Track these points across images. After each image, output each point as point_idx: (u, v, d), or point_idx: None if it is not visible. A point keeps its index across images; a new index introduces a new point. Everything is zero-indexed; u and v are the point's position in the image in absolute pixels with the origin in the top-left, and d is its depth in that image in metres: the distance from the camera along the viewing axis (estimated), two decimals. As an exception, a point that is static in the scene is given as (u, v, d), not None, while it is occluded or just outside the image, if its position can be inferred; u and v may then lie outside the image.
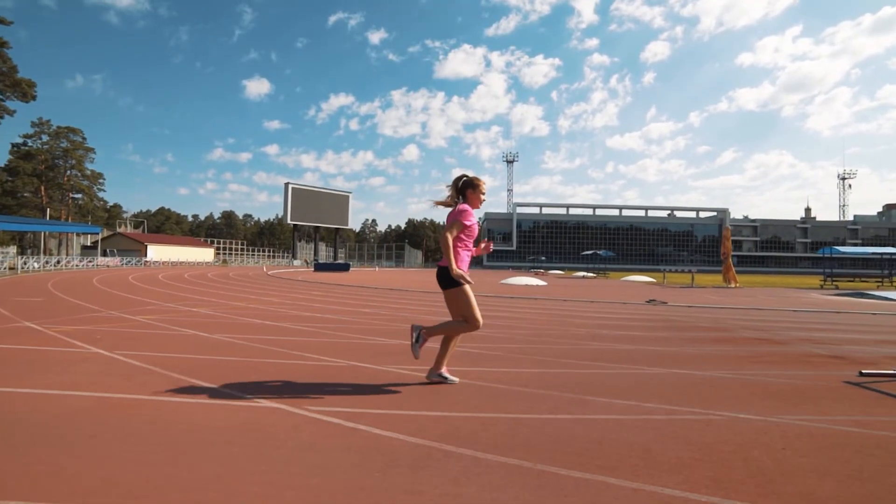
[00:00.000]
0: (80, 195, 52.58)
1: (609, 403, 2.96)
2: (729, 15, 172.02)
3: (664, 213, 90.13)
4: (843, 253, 23.53)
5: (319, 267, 38.22)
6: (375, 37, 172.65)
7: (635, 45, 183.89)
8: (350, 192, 74.62)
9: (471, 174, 3.43)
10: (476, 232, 3.36)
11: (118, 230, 59.47)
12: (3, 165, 48.03)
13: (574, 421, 2.64)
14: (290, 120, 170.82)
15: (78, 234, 41.60)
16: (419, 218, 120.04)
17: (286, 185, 63.55)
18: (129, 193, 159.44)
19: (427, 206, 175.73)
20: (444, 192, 3.47)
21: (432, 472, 1.95)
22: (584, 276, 32.83)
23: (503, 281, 22.22)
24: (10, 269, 24.60)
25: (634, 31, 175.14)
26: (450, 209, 3.39)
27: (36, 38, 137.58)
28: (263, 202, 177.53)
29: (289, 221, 64.62)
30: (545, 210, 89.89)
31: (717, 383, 3.56)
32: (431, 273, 41.03)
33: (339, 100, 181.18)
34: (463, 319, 3.33)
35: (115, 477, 1.86)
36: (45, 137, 49.39)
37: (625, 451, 2.19)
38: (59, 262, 29.98)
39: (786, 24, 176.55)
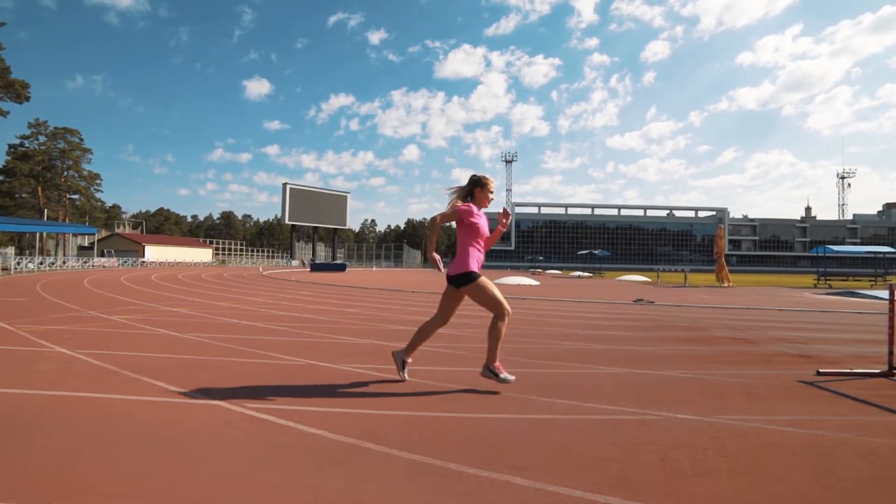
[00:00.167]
0: (77, 196, 52.66)
1: (552, 403, 2.95)
2: (729, 14, 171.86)
3: (663, 213, 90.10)
4: (836, 252, 23.54)
5: (316, 267, 38.24)
6: (375, 37, 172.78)
7: (635, 45, 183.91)
8: (348, 193, 74.69)
9: (478, 174, 3.46)
10: (485, 231, 3.37)
11: (116, 231, 59.55)
12: (0, 166, 48.18)
13: (505, 420, 2.63)
14: (291, 120, 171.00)
15: (75, 235, 41.65)
16: (418, 218, 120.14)
17: (284, 185, 63.61)
18: (130, 194, 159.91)
19: (427, 205, 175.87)
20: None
21: (341, 469, 1.96)
22: (579, 276, 32.80)
23: (497, 281, 22.21)
24: (3, 269, 24.62)
25: (634, 30, 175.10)
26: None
27: (36, 38, 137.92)
28: (264, 202, 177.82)
29: (287, 222, 64.69)
30: (544, 210, 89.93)
31: (672, 383, 3.54)
32: (429, 273, 41.03)
33: (340, 100, 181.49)
34: (435, 316, 3.41)
35: (36, 473, 1.87)
36: (42, 138, 49.50)
37: (544, 451, 2.17)
38: (53, 262, 30.00)
39: (786, 24, 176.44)
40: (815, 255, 23.53)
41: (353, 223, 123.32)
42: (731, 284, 20.59)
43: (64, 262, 31.28)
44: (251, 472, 1.94)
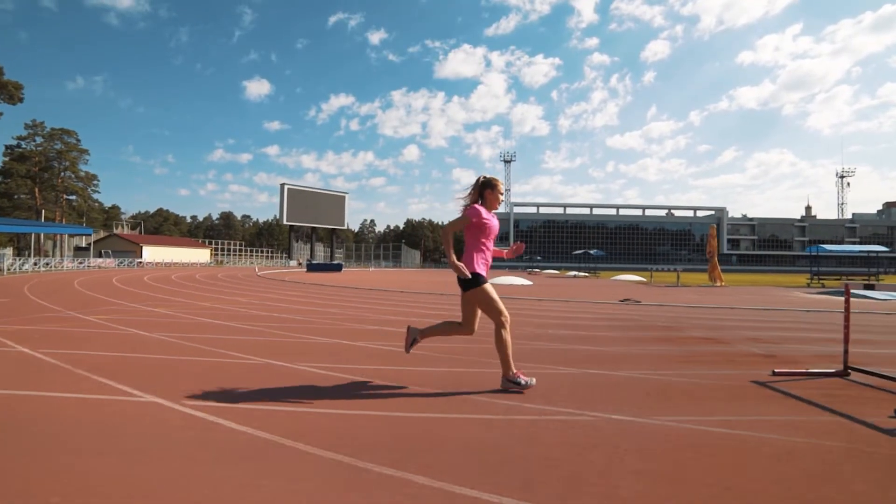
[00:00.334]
0: (74, 197, 52.72)
1: (489, 403, 2.93)
2: (729, 13, 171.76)
3: (662, 213, 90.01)
4: (829, 251, 23.48)
5: (312, 267, 38.25)
6: (375, 37, 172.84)
7: (635, 45, 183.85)
8: (346, 193, 74.66)
9: (488, 175, 3.44)
10: (494, 230, 3.34)
11: (115, 231, 59.61)
12: (-3, 167, 48.29)
13: (433, 420, 2.62)
14: (291, 121, 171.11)
15: (71, 236, 41.71)
16: (418, 218, 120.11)
17: (282, 185, 63.60)
18: (130, 195, 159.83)
19: (427, 205, 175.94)
20: (459, 201, 3.47)
21: (251, 464, 1.98)
22: (575, 276, 32.76)
23: (491, 281, 22.17)
24: (-1, 270, 24.64)
25: (634, 30, 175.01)
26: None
27: (36, 39, 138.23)
28: (264, 203, 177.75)
29: (285, 222, 64.68)
30: (542, 210, 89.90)
31: (624, 383, 3.52)
32: (425, 273, 41.05)
33: (340, 100, 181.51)
34: (462, 321, 3.33)
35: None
36: (38, 139, 49.59)
37: (458, 452, 2.16)
38: (47, 263, 30.04)
39: (786, 23, 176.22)
40: (809, 254, 23.46)
41: (354, 223, 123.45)
42: (723, 284, 20.53)
43: (58, 264, 31.30)
44: (158, 466, 1.96)
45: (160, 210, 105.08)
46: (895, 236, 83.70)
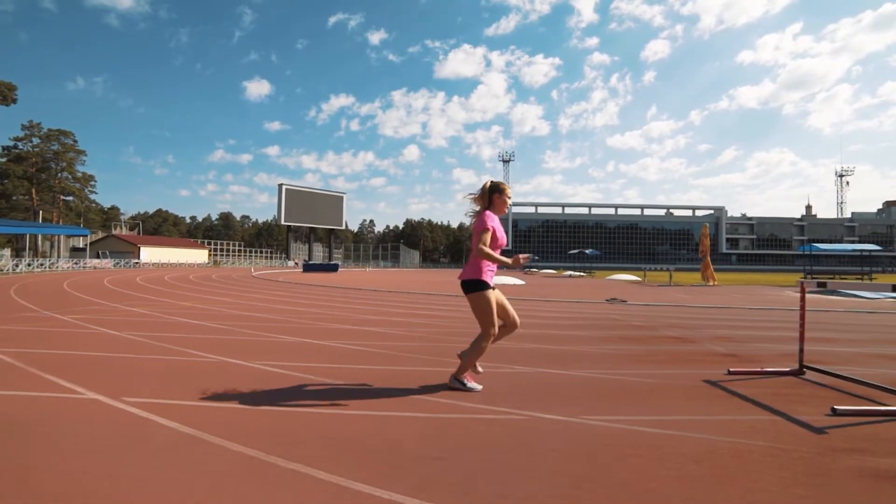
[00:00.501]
0: (71, 198, 52.78)
1: (428, 402, 2.91)
2: (729, 13, 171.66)
3: (661, 212, 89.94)
4: (823, 250, 23.42)
5: (308, 268, 38.26)
6: (375, 37, 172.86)
7: (635, 44, 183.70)
8: (344, 193, 74.68)
9: (495, 180, 3.43)
10: (502, 238, 3.32)
11: (113, 232, 59.66)
12: (-6, 168, 48.35)
13: (362, 417, 2.61)
14: (291, 121, 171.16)
15: (68, 237, 41.75)
16: (417, 218, 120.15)
17: (280, 185, 63.63)
18: (131, 195, 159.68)
19: (427, 205, 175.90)
20: (466, 201, 3.47)
21: (165, 458, 2.03)
22: (570, 276, 32.73)
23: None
24: (-8, 271, 24.68)
25: (634, 29, 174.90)
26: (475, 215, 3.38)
27: (37, 40, 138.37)
28: (264, 203, 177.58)
29: (283, 222, 64.70)
30: (541, 209, 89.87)
31: (574, 382, 3.50)
32: (422, 273, 41.07)
33: (340, 100, 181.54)
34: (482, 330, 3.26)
35: None
36: (35, 140, 49.65)
37: (370, 448, 2.17)
38: (41, 264, 30.07)
39: (786, 22, 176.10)
40: (802, 252, 23.45)
41: (354, 223, 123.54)
42: (716, 283, 20.49)
43: (52, 264, 31.34)
44: (71, 459, 2.00)
45: (159, 211, 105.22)
46: (894, 235, 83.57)
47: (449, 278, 26.95)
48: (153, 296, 11.19)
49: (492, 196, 3.37)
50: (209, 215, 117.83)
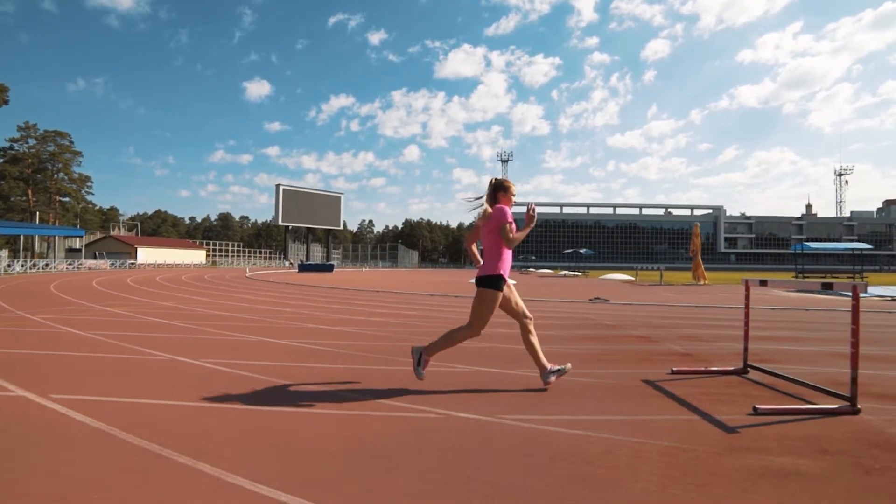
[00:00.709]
0: (67, 198, 52.86)
1: (351, 400, 2.91)
2: (729, 12, 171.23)
3: (660, 211, 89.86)
4: (814, 249, 23.41)
5: (303, 268, 38.33)
6: (375, 37, 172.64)
7: (635, 44, 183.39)
8: (342, 193, 74.67)
9: (499, 178, 3.44)
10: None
11: (111, 233, 59.76)
12: (-10, 169, 48.44)
13: (274, 413, 2.63)
14: (291, 121, 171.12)
15: (65, 237, 41.83)
16: (416, 218, 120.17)
17: (277, 186, 63.68)
18: (131, 196, 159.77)
19: (428, 205, 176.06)
20: (470, 201, 3.47)
21: (70, 453, 2.09)
22: (564, 275, 32.72)
23: (472, 280, 22.16)
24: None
25: (634, 29, 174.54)
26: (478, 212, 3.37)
27: (37, 41, 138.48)
28: (265, 204, 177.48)
29: (280, 223, 64.74)
30: (539, 209, 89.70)
31: (510, 381, 3.48)
32: (419, 273, 41.09)
33: (340, 101, 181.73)
34: (468, 323, 3.26)
35: None
36: (31, 141, 49.75)
37: (265, 443, 2.20)
38: (35, 264, 30.12)
39: (786, 21, 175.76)
40: (794, 251, 23.41)
41: (354, 224, 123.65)
42: (706, 282, 20.47)
43: (47, 265, 31.39)
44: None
45: (158, 211, 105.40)
46: (893, 234, 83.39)
47: (445, 278, 26.95)
48: (138, 296, 11.20)
49: (496, 194, 3.37)
50: (208, 216, 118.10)
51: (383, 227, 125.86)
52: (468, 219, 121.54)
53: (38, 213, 43.46)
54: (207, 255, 63.79)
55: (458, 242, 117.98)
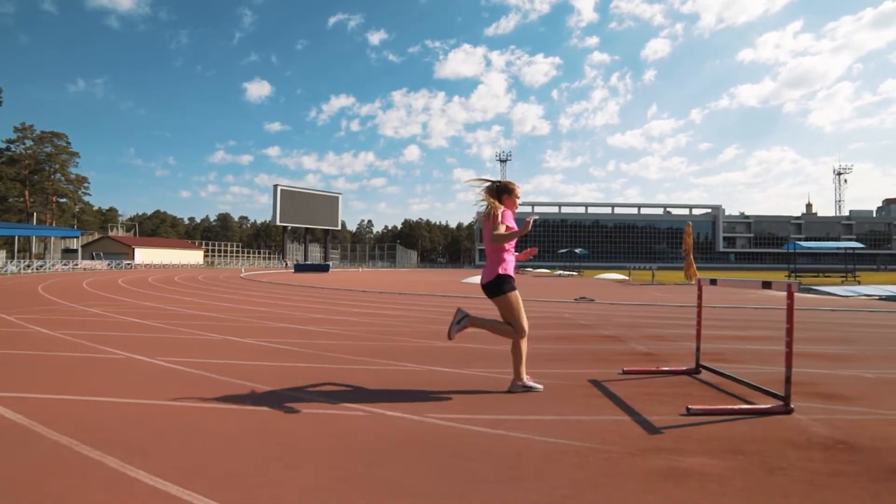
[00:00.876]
0: (64, 199, 52.95)
1: (284, 398, 2.90)
2: (729, 12, 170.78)
3: (658, 211, 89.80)
4: (806, 248, 23.34)
5: (299, 268, 38.33)
6: (375, 38, 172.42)
7: (635, 43, 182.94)
8: (340, 194, 74.67)
9: (503, 180, 3.37)
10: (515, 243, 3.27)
11: (109, 234, 59.84)
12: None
13: (197, 410, 2.63)
14: (291, 122, 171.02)
15: (62, 238, 41.91)
16: (415, 218, 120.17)
17: (275, 186, 63.70)
18: (132, 197, 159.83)
19: (428, 205, 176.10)
20: (471, 184, 3.41)
21: None
22: (559, 275, 32.70)
23: (464, 280, 22.15)
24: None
25: (634, 28, 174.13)
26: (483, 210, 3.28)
27: (37, 42, 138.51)
28: (265, 204, 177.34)
29: (278, 223, 64.78)
30: (537, 209, 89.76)
31: (457, 381, 3.47)
32: (416, 273, 41.08)
33: (340, 101, 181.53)
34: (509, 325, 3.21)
35: None
36: (28, 142, 49.82)
37: (180, 440, 2.23)
38: (29, 265, 30.16)
39: (786, 20, 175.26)
40: (786, 251, 23.36)
41: (354, 224, 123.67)
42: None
43: (40, 267, 31.43)
44: None
45: (157, 212, 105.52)
46: (892, 233, 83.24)
47: (439, 278, 26.93)
48: (123, 297, 11.20)
49: (501, 197, 3.29)
50: (207, 216, 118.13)
51: (383, 227, 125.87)
52: (467, 218, 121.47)
53: (35, 213, 43.52)
54: (205, 256, 63.84)
55: (457, 242, 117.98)
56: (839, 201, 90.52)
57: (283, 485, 1.79)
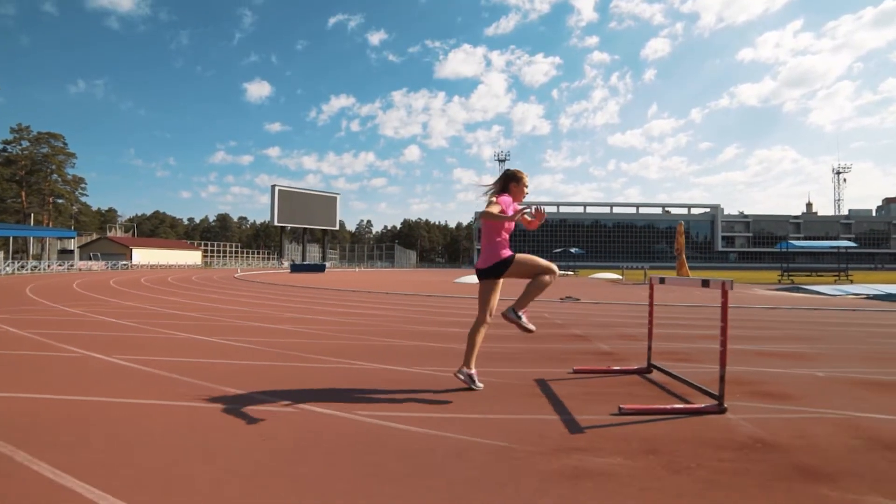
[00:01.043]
0: (62, 200, 53.00)
1: (221, 395, 2.90)
2: (729, 11, 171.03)
3: (657, 210, 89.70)
4: (798, 247, 23.27)
5: (295, 268, 38.37)
6: (375, 38, 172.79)
7: (635, 43, 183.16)
8: (338, 194, 74.85)
9: (513, 168, 3.35)
10: (512, 225, 3.24)
11: (107, 234, 59.90)
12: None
13: (120, 405, 2.62)
14: (291, 122, 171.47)
15: (59, 239, 41.97)
16: (414, 218, 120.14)
17: (272, 187, 63.87)
18: (132, 198, 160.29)
19: (428, 205, 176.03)
20: (479, 190, 3.39)
21: None
22: (555, 275, 32.63)
23: (457, 280, 22.15)
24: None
25: (634, 28, 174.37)
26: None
27: (37, 43, 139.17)
28: (265, 204, 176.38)
29: (276, 223, 64.94)
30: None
31: (397, 379, 3.45)
32: (412, 273, 41.07)
33: (340, 101, 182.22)
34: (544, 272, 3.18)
35: None
36: (24, 143, 49.88)
37: (92, 433, 2.26)
38: (23, 265, 30.20)
39: (786, 19, 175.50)
40: (772, 250, 23.29)
41: (354, 224, 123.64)
42: (691, 281, 20.39)
43: (35, 267, 31.46)
44: None
45: (156, 213, 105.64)
46: (891, 232, 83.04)
47: (434, 278, 26.92)
48: (109, 297, 11.20)
49: (508, 184, 3.29)
50: (206, 217, 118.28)
51: (382, 227, 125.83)
52: (467, 218, 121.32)
53: (32, 214, 43.57)
54: (204, 256, 63.91)
55: (456, 242, 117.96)
56: (838, 200, 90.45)
57: (185, 477, 1.81)
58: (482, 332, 3.21)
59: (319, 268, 38.83)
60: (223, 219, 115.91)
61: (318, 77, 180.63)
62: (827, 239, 74.79)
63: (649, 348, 3.79)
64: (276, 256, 73.74)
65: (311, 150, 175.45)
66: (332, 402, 2.85)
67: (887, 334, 6.23)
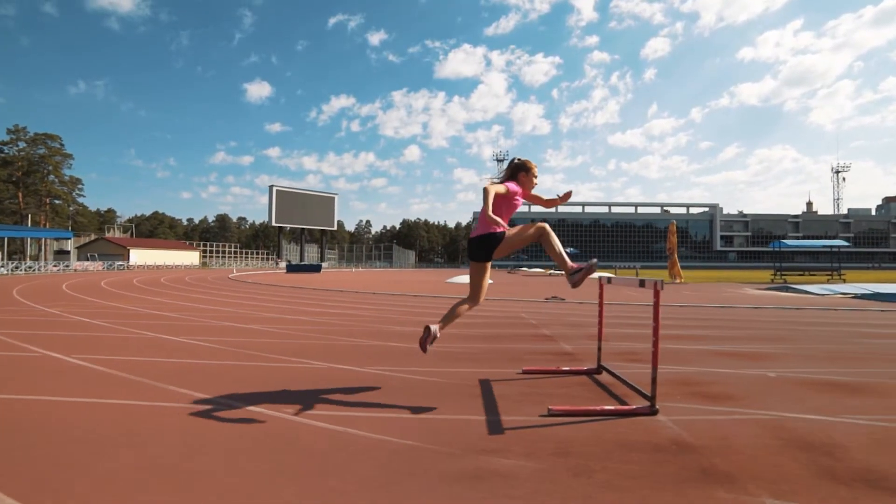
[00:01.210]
0: (59, 201, 53.10)
1: (165, 394, 2.89)
2: (729, 10, 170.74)
3: (656, 209, 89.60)
4: (790, 247, 23.23)
5: (291, 268, 38.41)
6: (375, 38, 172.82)
7: (635, 42, 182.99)
8: (336, 194, 74.87)
9: (523, 158, 3.33)
10: (517, 203, 3.24)
11: (106, 235, 59.99)
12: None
13: (62, 404, 2.60)
14: (292, 122, 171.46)
15: (56, 240, 42.06)
16: (414, 218, 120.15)
17: (270, 187, 63.91)
18: (132, 199, 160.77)
19: (428, 205, 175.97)
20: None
21: None
22: (550, 274, 32.65)
23: (449, 280, 22.14)
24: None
25: (634, 27, 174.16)
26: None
27: (38, 44, 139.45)
28: (265, 205, 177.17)
29: (274, 223, 64.99)
30: (535, 208, 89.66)
31: (352, 378, 3.45)
32: (410, 273, 41.06)
33: (340, 101, 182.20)
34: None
35: None
36: (21, 144, 49.95)
37: (26, 430, 2.26)
38: (17, 266, 30.25)
39: (787, 18, 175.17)
40: (772, 249, 23.29)
41: (353, 224, 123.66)
42: (682, 280, 20.38)
43: (30, 268, 31.51)
44: None
45: (156, 213, 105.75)
46: (891, 231, 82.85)
47: (428, 278, 26.91)
48: (94, 297, 11.21)
49: (517, 173, 3.27)
50: (206, 217, 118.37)
51: (385, 227, 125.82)
52: (466, 218, 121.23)
53: (29, 215, 43.65)
54: (202, 257, 63.98)
55: (455, 242, 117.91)
56: (837, 199, 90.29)
57: (97, 473, 1.84)
58: (465, 307, 3.19)
59: (315, 268, 38.88)
60: (222, 219, 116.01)
61: (319, 77, 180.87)
62: (826, 238, 74.63)
63: (599, 349, 3.78)
64: (274, 257, 73.79)
65: (311, 151, 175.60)
66: (265, 402, 2.85)
67: (859, 333, 6.21)
